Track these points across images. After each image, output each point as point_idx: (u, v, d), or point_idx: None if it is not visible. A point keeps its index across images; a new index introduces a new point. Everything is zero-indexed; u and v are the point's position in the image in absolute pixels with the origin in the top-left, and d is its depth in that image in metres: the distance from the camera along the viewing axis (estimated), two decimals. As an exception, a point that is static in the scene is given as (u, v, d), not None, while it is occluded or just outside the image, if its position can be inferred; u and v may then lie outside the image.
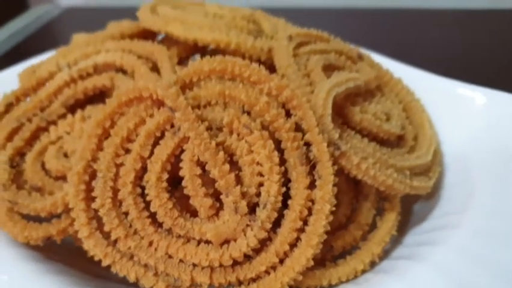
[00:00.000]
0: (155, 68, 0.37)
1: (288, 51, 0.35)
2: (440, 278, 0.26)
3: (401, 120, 0.37)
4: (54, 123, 0.37)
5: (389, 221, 0.33)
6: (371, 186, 0.33)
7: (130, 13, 0.47)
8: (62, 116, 0.37)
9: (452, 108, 0.42)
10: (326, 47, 0.39)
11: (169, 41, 0.41)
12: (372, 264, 0.31)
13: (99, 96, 0.39)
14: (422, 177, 0.35)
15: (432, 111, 0.43)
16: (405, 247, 0.33)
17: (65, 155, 0.34)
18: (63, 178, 0.33)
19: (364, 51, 0.48)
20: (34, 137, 0.36)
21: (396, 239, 0.35)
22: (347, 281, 0.30)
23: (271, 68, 0.37)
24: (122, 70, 0.38)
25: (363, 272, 0.31)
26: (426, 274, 0.27)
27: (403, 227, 0.37)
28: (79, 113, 0.36)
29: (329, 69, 0.38)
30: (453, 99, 0.43)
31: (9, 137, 0.37)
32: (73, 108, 0.38)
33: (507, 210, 0.31)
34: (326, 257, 0.32)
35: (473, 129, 0.40)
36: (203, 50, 0.41)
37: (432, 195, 0.38)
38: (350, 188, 0.34)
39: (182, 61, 0.41)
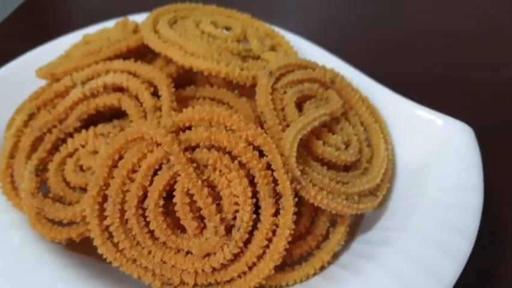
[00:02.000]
0: (156, 93, 0.43)
1: (266, 91, 0.40)
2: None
3: (358, 145, 0.44)
4: (71, 135, 0.43)
5: (339, 233, 0.40)
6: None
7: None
8: (78, 129, 0.43)
9: (413, 127, 0.48)
10: (302, 76, 0.44)
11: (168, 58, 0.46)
12: (322, 269, 0.39)
13: (109, 110, 0.45)
14: (370, 197, 0.41)
15: (394, 128, 0.49)
16: (351, 255, 0.40)
17: (81, 169, 0.41)
18: (81, 189, 0.40)
19: (339, 64, 0.54)
20: (54, 147, 0.43)
21: (346, 244, 0.43)
22: (301, 282, 0.38)
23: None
24: (128, 91, 0.43)
25: (314, 275, 0.39)
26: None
27: (354, 230, 0.45)
28: (91, 130, 0.42)
29: (302, 99, 0.43)
30: (415, 120, 0.48)
31: (33, 146, 0.43)
32: (87, 121, 0.44)
33: (436, 238, 0.37)
34: (286, 262, 0.39)
35: (428, 148, 0.46)
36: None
37: (382, 206, 0.45)
38: (311, 204, 0.41)
39: (179, 79, 0.46)
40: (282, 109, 0.41)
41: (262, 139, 0.36)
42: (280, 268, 0.38)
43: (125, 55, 0.48)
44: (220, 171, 0.36)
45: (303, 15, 0.92)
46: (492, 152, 0.56)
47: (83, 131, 0.43)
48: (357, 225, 0.45)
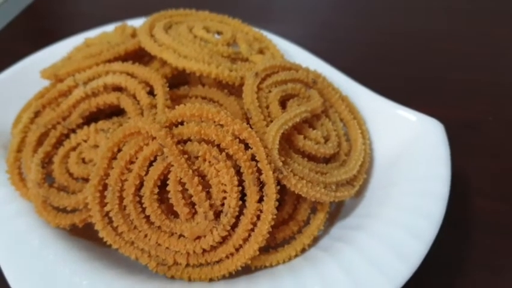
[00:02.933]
0: (151, 92, 0.46)
1: (252, 90, 0.44)
2: (341, 273, 0.37)
3: (337, 140, 0.47)
4: (74, 131, 0.46)
5: (319, 219, 0.44)
6: (308, 194, 0.43)
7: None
8: (80, 125, 0.46)
9: (388, 123, 0.51)
10: (286, 77, 0.47)
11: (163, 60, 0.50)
12: (303, 251, 0.42)
13: (109, 108, 0.48)
14: (347, 187, 0.45)
15: (371, 124, 0.52)
16: (330, 239, 0.44)
17: (84, 161, 0.44)
18: (83, 179, 0.44)
19: (323, 66, 0.57)
20: (58, 142, 0.46)
21: (327, 228, 0.46)
22: (283, 263, 0.42)
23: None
24: (126, 90, 0.47)
25: (296, 256, 0.42)
26: (332, 267, 0.38)
27: (334, 217, 0.48)
28: (92, 126, 0.45)
29: (285, 97, 0.47)
30: (390, 117, 0.51)
31: (39, 141, 0.46)
32: (88, 118, 0.47)
33: (405, 222, 0.40)
34: (270, 245, 0.43)
35: (402, 143, 0.49)
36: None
37: (360, 195, 0.48)
38: (294, 193, 0.44)
39: (173, 80, 0.50)
40: (267, 106, 0.44)
41: (247, 133, 0.39)
42: (264, 250, 0.42)
43: (124, 57, 0.51)
44: (209, 162, 0.39)
45: (295, 21, 0.96)
46: (465, 147, 0.60)
47: (85, 127, 0.46)
48: (336, 213, 0.48)
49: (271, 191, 0.39)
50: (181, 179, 0.39)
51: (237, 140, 0.39)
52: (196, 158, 0.39)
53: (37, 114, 0.48)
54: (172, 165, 0.39)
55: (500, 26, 0.91)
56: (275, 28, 0.66)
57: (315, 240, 0.44)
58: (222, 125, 0.39)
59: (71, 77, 0.48)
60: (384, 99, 0.53)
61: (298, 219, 0.44)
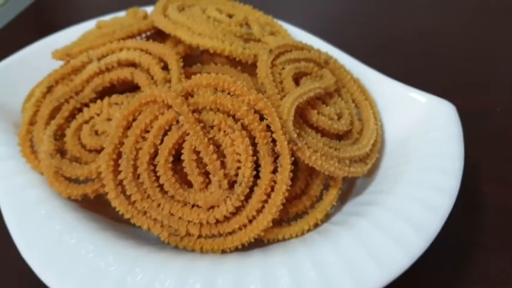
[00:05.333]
0: (165, 67, 0.45)
1: (266, 65, 0.43)
2: (356, 243, 0.36)
3: (350, 118, 0.46)
4: (86, 105, 0.45)
5: (331, 195, 0.43)
6: (321, 169, 0.42)
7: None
8: (93, 100, 0.46)
9: (400, 105, 0.50)
10: (299, 56, 0.47)
11: (177, 38, 0.49)
12: (316, 226, 0.41)
13: (122, 85, 0.47)
14: (360, 164, 0.44)
15: (383, 106, 0.52)
16: (342, 215, 0.43)
17: (96, 133, 0.43)
18: (95, 151, 0.43)
19: (334, 51, 0.57)
20: (71, 115, 0.45)
21: (338, 206, 0.45)
22: (296, 237, 0.41)
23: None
24: (140, 66, 0.46)
25: (308, 231, 0.41)
26: (348, 239, 0.37)
27: (346, 196, 0.47)
28: (106, 100, 0.45)
29: (298, 75, 0.46)
30: (402, 99, 0.51)
31: (52, 114, 0.45)
32: (101, 93, 0.46)
33: (420, 196, 0.39)
34: (283, 219, 0.42)
35: (414, 123, 0.48)
36: (203, 51, 0.49)
37: (372, 174, 0.47)
38: (307, 168, 0.43)
39: (187, 58, 0.49)
40: (281, 82, 0.44)
41: (262, 103, 0.38)
42: (277, 224, 0.41)
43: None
44: (225, 131, 0.38)
45: (304, 17, 0.96)
46: (474, 136, 0.59)
47: (98, 101, 0.45)
48: (348, 192, 0.47)
49: (285, 161, 0.38)
50: (195, 148, 0.38)
51: (252, 110, 0.38)
52: (211, 127, 0.39)
53: (50, 89, 0.47)
54: (187, 135, 0.38)
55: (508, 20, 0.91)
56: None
57: (328, 216, 0.43)
58: (237, 95, 0.39)
59: (85, 53, 0.47)
60: (394, 81, 0.52)
61: (311, 195, 0.43)
